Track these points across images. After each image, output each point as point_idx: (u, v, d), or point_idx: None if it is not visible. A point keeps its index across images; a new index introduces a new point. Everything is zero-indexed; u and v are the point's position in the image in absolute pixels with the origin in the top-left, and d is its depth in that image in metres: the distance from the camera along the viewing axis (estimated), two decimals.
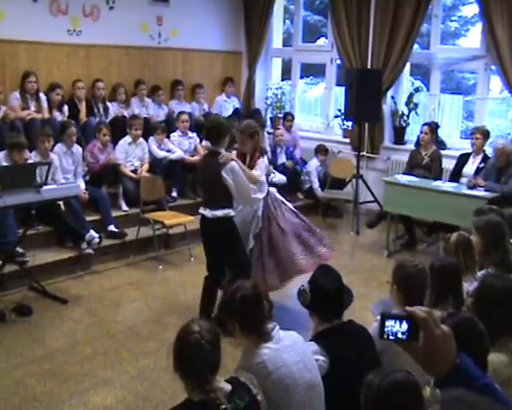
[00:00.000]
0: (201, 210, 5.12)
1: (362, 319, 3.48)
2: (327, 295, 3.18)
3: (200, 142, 8.64)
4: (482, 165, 7.34)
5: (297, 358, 2.86)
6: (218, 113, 8.93)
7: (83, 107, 8.14)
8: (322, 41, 11.84)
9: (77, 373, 4.60)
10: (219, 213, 4.99)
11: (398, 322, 1.50)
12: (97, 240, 6.68)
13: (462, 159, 7.68)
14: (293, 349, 2.88)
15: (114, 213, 7.37)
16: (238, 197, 5.02)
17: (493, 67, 8.18)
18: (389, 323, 1.50)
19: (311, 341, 3.14)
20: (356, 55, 9.15)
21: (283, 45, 11.10)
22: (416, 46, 8.98)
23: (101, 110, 8.33)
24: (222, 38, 10.27)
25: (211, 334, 2.55)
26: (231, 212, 5.06)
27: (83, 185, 7.15)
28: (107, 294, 6.18)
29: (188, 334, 2.55)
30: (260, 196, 5.31)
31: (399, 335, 1.49)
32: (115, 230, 7.15)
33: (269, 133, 9.70)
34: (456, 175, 7.65)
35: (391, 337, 1.50)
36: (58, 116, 7.76)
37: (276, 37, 10.84)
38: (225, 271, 5.23)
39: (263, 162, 5.31)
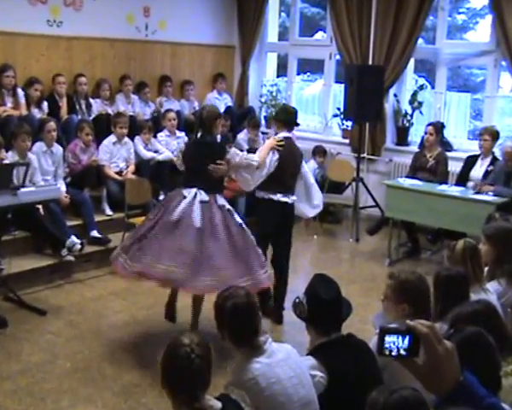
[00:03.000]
0: (282, 197, 5.53)
1: (361, 331, 3.49)
2: (325, 306, 3.19)
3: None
4: (491, 168, 7.37)
5: (291, 373, 2.86)
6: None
7: (64, 103, 8.11)
8: (320, 35, 11.87)
9: (55, 390, 4.57)
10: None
11: (398, 337, 1.50)
12: (79, 246, 6.65)
13: (470, 161, 7.71)
14: (286, 364, 2.89)
15: (97, 218, 7.35)
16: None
17: (503, 63, 8.21)
18: (389, 338, 1.51)
19: (307, 355, 3.15)
20: (356, 50, 9.18)
21: (279, 39, 11.12)
22: (420, 41, 9.01)
23: (84, 107, 8.31)
24: (213, 32, 10.28)
25: (202, 348, 2.55)
26: None
27: (63, 188, 7.12)
28: (89, 304, 6.15)
29: (177, 347, 2.55)
30: None
31: (401, 351, 1.50)
32: (98, 235, 7.14)
33: (263, 133, 9.72)
34: (462, 179, 7.68)
35: (391, 354, 1.51)
36: (37, 113, 7.73)
37: (271, 30, 10.86)
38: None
39: None
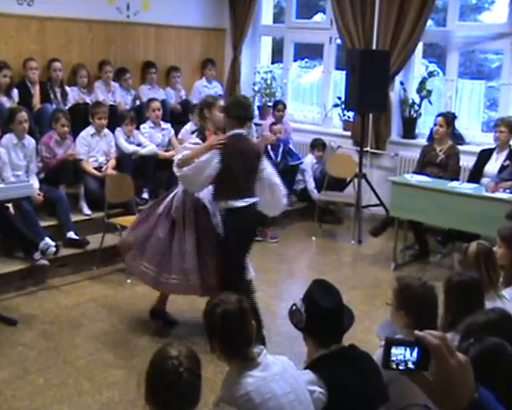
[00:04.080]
0: (237, 202, 5.38)
1: (364, 342, 3.50)
2: (325, 316, 3.18)
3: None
4: (507, 162, 7.37)
5: (288, 388, 2.86)
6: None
7: (36, 91, 8.09)
8: (319, 17, 11.83)
9: (26, 409, 4.54)
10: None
11: (405, 349, 1.49)
12: (53, 249, 6.64)
13: (484, 156, 7.72)
14: (283, 378, 2.88)
15: (74, 218, 7.34)
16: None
17: None
18: (396, 351, 1.50)
19: (305, 369, 3.14)
20: (359, 33, 9.18)
21: (274, 22, 11.13)
22: (429, 23, 9.03)
23: (59, 96, 8.29)
24: (202, 13, 10.28)
25: (190, 361, 2.54)
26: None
27: (37, 184, 7.11)
28: (65, 313, 6.13)
29: (164, 359, 2.54)
30: None
31: (409, 364, 1.49)
32: (75, 237, 7.12)
33: (256, 125, 9.72)
34: (476, 175, 7.68)
35: (399, 367, 1.49)
36: (6, 102, 7.71)
37: (265, 11, 10.88)
38: None
39: None
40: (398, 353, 1.49)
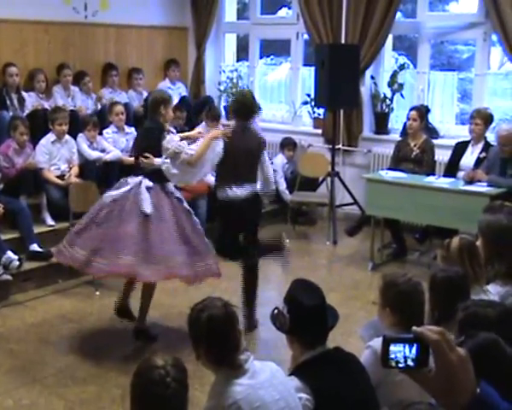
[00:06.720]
0: (237, 189, 5.73)
1: (345, 345, 3.48)
2: (308, 314, 3.18)
3: None
4: (483, 155, 7.44)
5: (277, 395, 2.86)
6: None
7: None
8: (284, 12, 11.88)
9: None
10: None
11: (404, 346, 1.50)
12: (17, 263, 6.57)
13: (459, 149, 7.79)
14: (271, 385, 2.88)
15: (37, 230, 7.26)
16: None
17: (494, 37, 8.32)
18: (394, 348, 1.50)
19: (290, 375, 3.14)
20: (327, 27, 9.22)
21: (238, 18, 11.15)
22: (399, 14, 9.11)
23: (16, 102, 8.21)
24: (163, 11, 10.25)
25: (177, 370, 2.53)
26: None
27: None
28: (32, 330, 6.05)
29: (150, 370, 2.52)
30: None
31: (408, 362, 1.49)
32: (39, 249, 7.04)
33: (224, 126, 9.69)
34: (452, 168, 7.75)
35: (398, 365, 1.50)
36: None
37: (228, 8, 10.87)
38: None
39: None
40: (396, 350, 1.50)
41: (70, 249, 5.54)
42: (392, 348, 1.50)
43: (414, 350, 1.49)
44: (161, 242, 5.37)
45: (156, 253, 5.32)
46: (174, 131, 6.10)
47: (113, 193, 5.62)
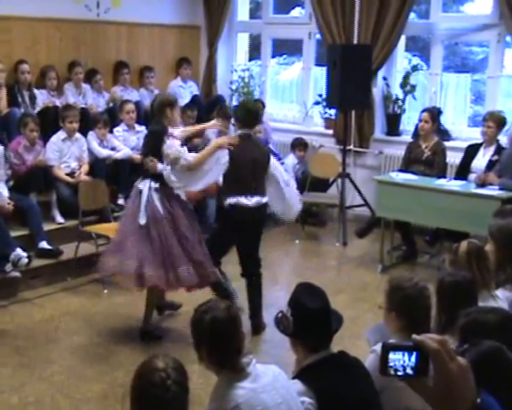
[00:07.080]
0: (243, 199, 5.73)
1: (352, 348, 3.49)
2: (312, 316, 3.17)
3: None
4: (495, 158, 7.41)
5: (279, 399, 2.85)
6: None
7: (3, 95, 8.03)
8: (297, 12, 11.87)
9: None
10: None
11: (403, 354, 1.49)
12: (25, 260, 6.57)
13: (471, 151, 7.75)
14: (274, 388, 2.87)
15: (47, 227, 7.29)
16: None
17: (508, 39, 8.28)
18: (393, 356, 1.49)
19: (294, 378, 3.13)
20: (339, 27, 9.20)
21: (250, 17, 11.14)
22: (412, 15, 9.07)
23: (27, 99, 8.24)
24: (176, 10, 10.25)
25: (178, 373, 2.53)
26: None
27: (6, 193, 7.04)
28: (39, 327, 6.08)
29: (150, 372, 2.52)
30: None
31: (407, 370, 1.48)
32: (48, 247, 7.07)
33: (234, 125, 9.68)
34: (463, 171, 7.72)
35: (397, 373, 1.49)
36: None
37: (241, 7, 10.87)
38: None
39: None
40: (395, 358, 1.49)
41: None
42: (392, 355, 1.50)
43: (413, 358, 1.48)
44: (170, 246, 5.56)
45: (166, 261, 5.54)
46: (181, 129, 6.18)
47: (141, 214, 5.64)
